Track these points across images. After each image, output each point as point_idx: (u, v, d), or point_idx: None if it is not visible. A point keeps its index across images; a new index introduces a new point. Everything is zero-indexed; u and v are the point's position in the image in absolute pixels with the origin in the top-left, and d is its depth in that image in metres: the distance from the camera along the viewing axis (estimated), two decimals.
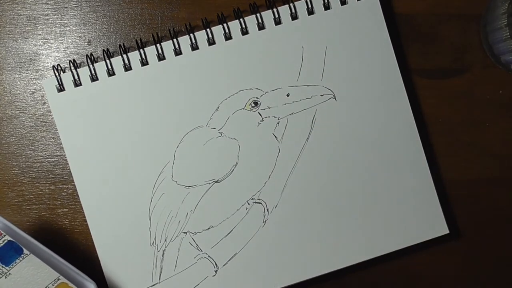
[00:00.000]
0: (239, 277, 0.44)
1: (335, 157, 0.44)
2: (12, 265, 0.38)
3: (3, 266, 0.38)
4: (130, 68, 0.44)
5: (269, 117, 0.44)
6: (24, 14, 0.45)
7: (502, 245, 0.47)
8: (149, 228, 0.44)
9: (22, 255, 0.39)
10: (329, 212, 0.44)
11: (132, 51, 0.44)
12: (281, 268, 0.44)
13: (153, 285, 0.44)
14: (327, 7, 0.45)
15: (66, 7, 0.46)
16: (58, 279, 0.39)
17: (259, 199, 0.44)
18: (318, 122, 0.45)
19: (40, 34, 0.45)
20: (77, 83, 0.44)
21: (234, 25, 0.44)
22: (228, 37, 0.44)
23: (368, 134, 0.45)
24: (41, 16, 0.45)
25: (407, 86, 0.45)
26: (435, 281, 0.47)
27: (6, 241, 0.39)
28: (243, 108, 0.44)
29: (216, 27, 0.44)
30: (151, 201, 0.44)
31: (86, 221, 0.43)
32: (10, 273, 0.38)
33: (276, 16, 0.44)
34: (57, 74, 0.43)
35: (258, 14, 0.44)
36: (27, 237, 0.39)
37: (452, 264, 0.47)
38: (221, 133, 0.44)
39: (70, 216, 0.45)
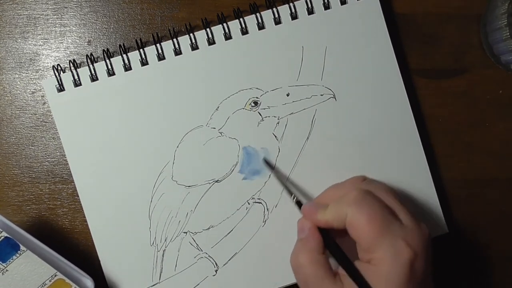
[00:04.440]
0: (239, 277, 0.44)
1: (335, 157, 0.44)
2: (9, 261, 0.38)
3: (0, 262, 0.38)
4: (130, 68, 0.44)
5: (269, 116, 0.44)
6: (24, 14, 0.45)
7: (502, 245, 0.47)
8: (149, 228, 0.44)
9: (19, 252, 0.39)
10: None
11: (132, 51, 0.44)
12: (281, 267, 0.44)
13: (153, 285, 0.43)
14: (327, 7, 0.45)
15: (66, 7, 0.46)
16: (55, 275, 0.39)
17: (259, 198, 0.44)
18: (318, 122, 0.45)
19: (40, 34, 0.45)
20: (77, 83, 0.44)
21: (234, 25, 0.44)
22: (228, 37, 0.44)
23: (368, 134, 0.45)
24: (41, 16, 0.45)
25: (407, 86, 0.45)
26: (434, 281, 0.47)
27: (3, 237, 0.39)
28: (243, 108, 0.44)
29: (216, 27, 0.44)
30: (151, 201, 0.44)
31: (86, 221, 0.43)
32: (7, 270, 0.38)
33: (276, 16, 0.44)
34: (57, 74, 0.43)
35: (258, 14, 0.44)
36: (24, 234, 0.39)
37: (451, 263, 0.47)
38: (221, 133, 0.44)
39: (70, 216, 0.45)
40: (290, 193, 0.42)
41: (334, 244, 0.38)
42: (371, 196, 0.37)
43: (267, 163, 0.44)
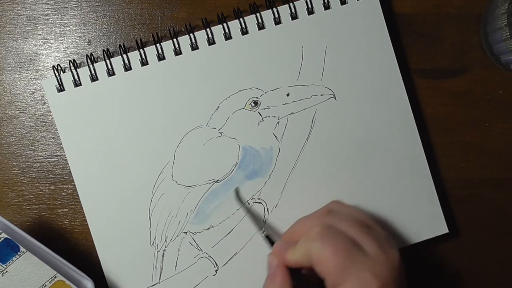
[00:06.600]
0: (239, 277, 0.44)
1: (335, 157, 0.44)
2: (9, 262, 0.38)
3: (0, 264, 0.38)
4: (130, 68, 0.44)
5: (269, 116, 0.44)
6: (24, 14, 0.45)
7: (502, 245, 0.47)
8: (149, 228, 0.44)
9: (19, 253, 0.39)
10: None
11: (132, 51, 0.44)
12: None
13: (153, 285, 0.43)
14: (327, 7, 0.45)
15: (66, 7, 0.46)
16: (55, 277, 0.39)
17: (259, 198, 0.44)
18: (318, 122, 0.45)
19: (40, 34, 0.45)
20: (77, 83, 0.44)
21: (234, 25, 0.44)
22: (228, 37, 0.44)
23: (368, 134, 0.45)
24: (41, 16, 0.45)
25: (407, 86, 0.45)
26: (434, 280, 0.47)
27: (2, 238, 0.39)
28: (243, 108, 0.44)
29: (216, 27, 0.44)
30: (151, 201, 0.44)
31: (86, 221, 0.43)
32: (7, 271, 0.38)
33: (276, 16, 0.44)
34: (57, 74, 0.43)
35: (258, 14, 0.44)
36: (24, 235, 0.39)
37: (451, 263, 0.47)
38: (221, 133, 0.44)
39: (70, 216, 0.45)
40: (260, 227, 0.42)
41: (302, 279, 0.38)
42: (333, 230, 0.36)
43: (238, 196, 0.44)
